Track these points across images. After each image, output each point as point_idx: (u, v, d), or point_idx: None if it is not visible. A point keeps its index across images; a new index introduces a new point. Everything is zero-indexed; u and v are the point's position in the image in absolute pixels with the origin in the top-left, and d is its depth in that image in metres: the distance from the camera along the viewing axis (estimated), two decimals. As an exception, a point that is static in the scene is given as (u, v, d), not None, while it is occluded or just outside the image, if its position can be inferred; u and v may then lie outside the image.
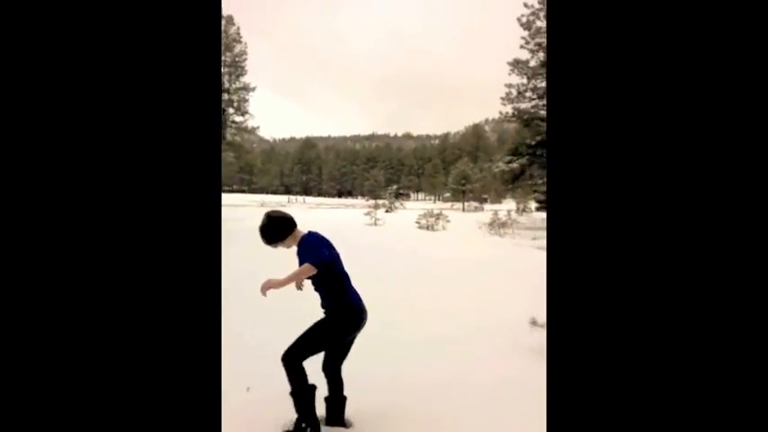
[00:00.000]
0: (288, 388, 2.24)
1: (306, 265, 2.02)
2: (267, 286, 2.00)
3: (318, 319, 2.25)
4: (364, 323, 2.25)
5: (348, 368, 2.54)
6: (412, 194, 72.52)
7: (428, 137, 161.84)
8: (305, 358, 2.15)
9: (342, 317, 2.18)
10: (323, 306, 2.24)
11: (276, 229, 2.17)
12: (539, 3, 21.05)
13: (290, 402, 2.31)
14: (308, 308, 2.65)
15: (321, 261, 2.03)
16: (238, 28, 40.48)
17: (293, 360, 2.11)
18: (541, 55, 21.62)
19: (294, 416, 2.30)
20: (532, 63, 22.01)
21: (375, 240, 13.77)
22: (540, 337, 3.82)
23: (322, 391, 2.41)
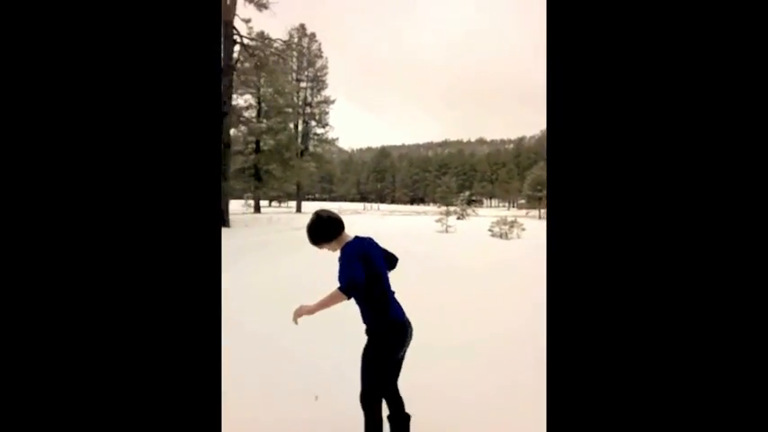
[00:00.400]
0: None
1: (335, 291, 1.87)
2: (299, 313, 1.94)
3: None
4: (410, 339, 2.12)
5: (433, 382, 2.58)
6: (485, 201, 70.39)
7: (502, 141, 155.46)
8: (379, 393, 2.07)
9: (386, 336, 2.04)
10: (364, 322, 2.10)
11: (322, 229, 2.09)
12: None
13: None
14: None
15: (353, 286, 1.85)
16: (320, 44, 43.71)
17: (369, 402, 2.04)
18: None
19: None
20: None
21: (445, 249, 13.90)
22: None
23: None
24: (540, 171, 37.80)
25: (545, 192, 36.60)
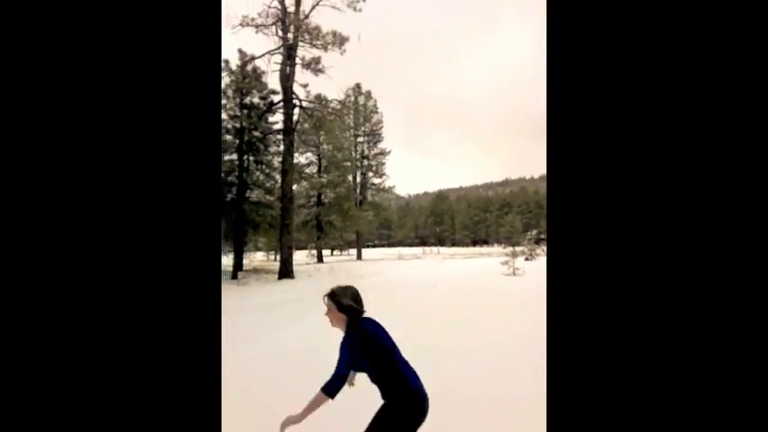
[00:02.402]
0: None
1: (319, 394, 1.87)
2: (286, 424, 1.89)
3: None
4: (426, 414, 1.96)
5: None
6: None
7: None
8: None
9: (406, 410, 1.90)
10: (383, 398, 2.00)
11: (347, 301, 2.04)
12: None
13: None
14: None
15: (334, 388, 1.87)
16: (375, 101, 46.42)
17: None
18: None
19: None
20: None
21: (512, 295, 12.80)
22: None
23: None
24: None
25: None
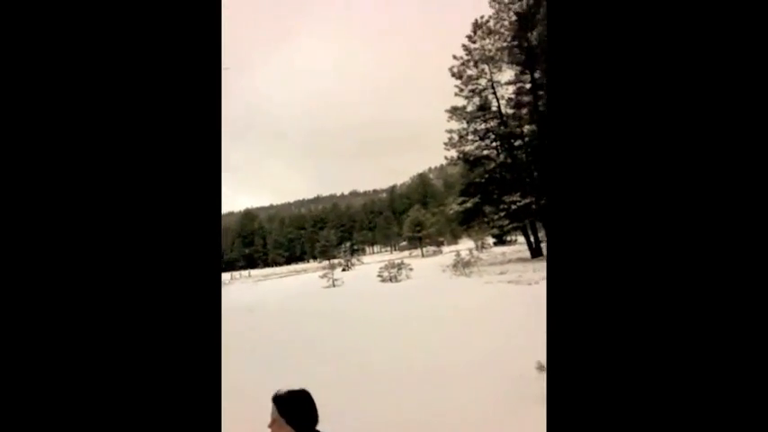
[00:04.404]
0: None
1: None
2: None
3: None
4: None
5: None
6: (367, 249, 71.01)
7: (375, 191, 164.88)
8: None
9: None
10: None
11: (299, 410, 1.51)
12: (466, 54, 22.22)
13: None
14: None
15: None
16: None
17: None
18: (476, 100, 22.43)
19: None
20: (469, 108, 22.69)
21: (334, 305, 11.88)
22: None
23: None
24: (415, 213, 39.44)
25: (424, 231, 38.04)
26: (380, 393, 4.16)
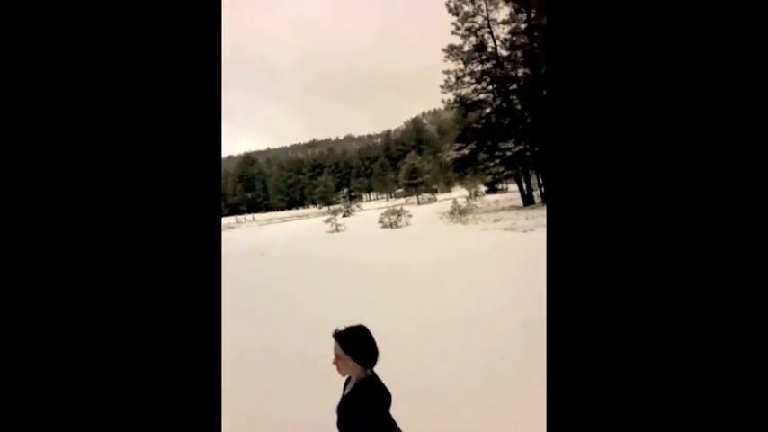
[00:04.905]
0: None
1: None
2: None
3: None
4: None
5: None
6: (364, 196, 71.93)
7: (370, 137, 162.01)
8: None
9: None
10: None
11: (364, 344, 1.58)
12: None
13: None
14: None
15: None
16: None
17: None
18: (473, 39, 21.95)
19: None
20: (466, 48, 22.27)
21: (340, 250, 12.97)
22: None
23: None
24: (411, 160, 39.83)
25: (420, 178, 38.73)
26: (396, 336, 4.06)
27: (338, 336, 1.57)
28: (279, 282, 8.86)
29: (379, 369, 1.61)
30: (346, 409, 1.54)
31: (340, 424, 1.54)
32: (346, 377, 1.63)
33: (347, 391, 1.59)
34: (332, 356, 1.56)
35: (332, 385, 1.80)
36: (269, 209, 79.41)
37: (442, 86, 22.95)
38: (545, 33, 18.29)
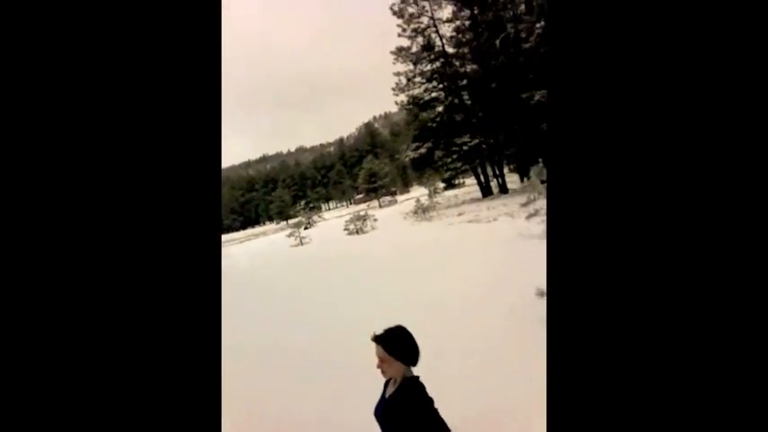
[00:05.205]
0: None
1: None
2: None
3: None
4: None
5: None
6: (322, 205, 70.72)
7: (322, 145, 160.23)
8: None
9: None
10: None
11: (408, 344, 1.57)
12: None
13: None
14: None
15: None
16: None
17: None
18: (420, 40, 22.17)
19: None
20: (414, 49, 22.43)
21: (308, 262, 12.37)
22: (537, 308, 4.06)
23: None
24: (369, 164, 39.53)
25: (379, 182, 38.53)
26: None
27: (380, 339, 1.54)
28: (246, 304, 8.16)
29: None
30: (395, 411, 1.51)
31: (386, 427, 1.52)
32: (387, 380, 1.62)
33: (390, 392, 1.56)
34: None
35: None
36: (223, 231, 75.79)
37: (393, 89, 22.98)
38: (546, 29, 18.74)
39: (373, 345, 1.55)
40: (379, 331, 1.55)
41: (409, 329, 1.59)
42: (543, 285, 4.05)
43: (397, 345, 1.54)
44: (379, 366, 1.55)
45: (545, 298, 4.06)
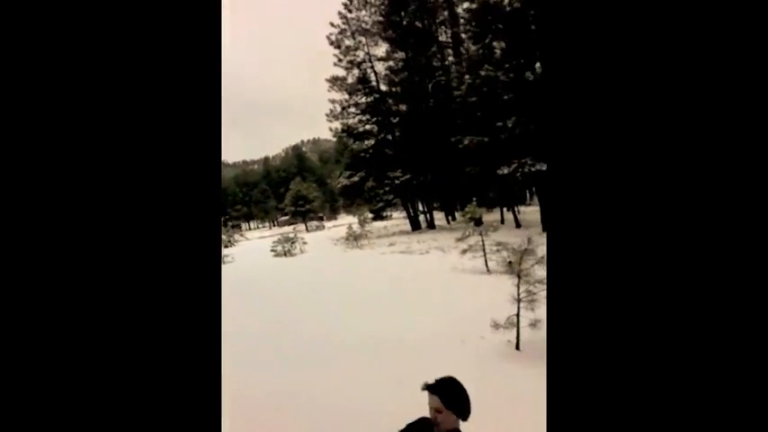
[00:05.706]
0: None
1: None
2: None
3: None
4: None
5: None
6: (242, 225, 66.87)
7: (245, 162, 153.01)
8: None
9: None
10: None
11: (459, 396, 1.48)
12: (342, 23, 22.34)
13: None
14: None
15: None
16: None
17: None
18: (356, 72, 22.98)
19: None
20: (350, 80, 23.17)
21: (234, 283, 11.69)
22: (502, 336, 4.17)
23: None
24: (297, 186, 38.77)
25: (307, 205, 37.91)
26: (315, 364, 4.09)
27: (436, 390, 1.45)
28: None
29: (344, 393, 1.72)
30: None
31: None
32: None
33: None
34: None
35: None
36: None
37: (327, 114, 23.32)
38: (539, 35, 20.00)
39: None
40: (431, 380, 1.47)
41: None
42: (495, 317, 4.25)
43: (455, 398, 1.46)
44: (433, 417, 1.46)
45: (500, 329, 4.26)
